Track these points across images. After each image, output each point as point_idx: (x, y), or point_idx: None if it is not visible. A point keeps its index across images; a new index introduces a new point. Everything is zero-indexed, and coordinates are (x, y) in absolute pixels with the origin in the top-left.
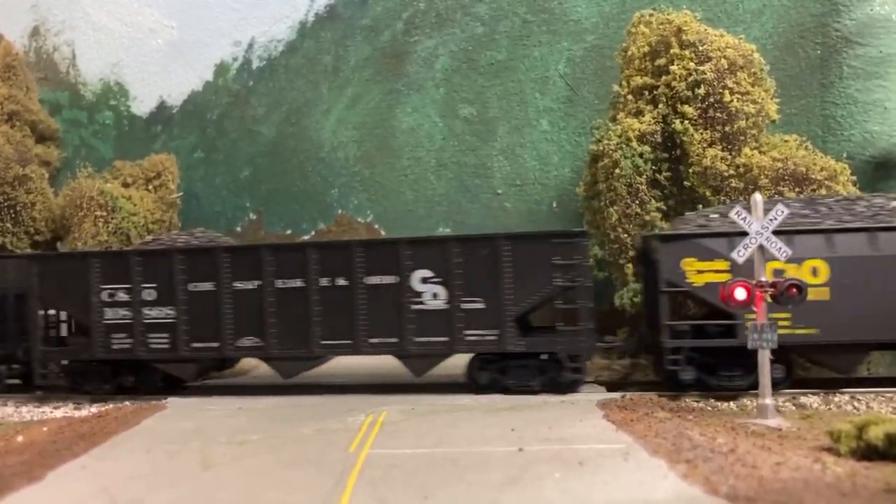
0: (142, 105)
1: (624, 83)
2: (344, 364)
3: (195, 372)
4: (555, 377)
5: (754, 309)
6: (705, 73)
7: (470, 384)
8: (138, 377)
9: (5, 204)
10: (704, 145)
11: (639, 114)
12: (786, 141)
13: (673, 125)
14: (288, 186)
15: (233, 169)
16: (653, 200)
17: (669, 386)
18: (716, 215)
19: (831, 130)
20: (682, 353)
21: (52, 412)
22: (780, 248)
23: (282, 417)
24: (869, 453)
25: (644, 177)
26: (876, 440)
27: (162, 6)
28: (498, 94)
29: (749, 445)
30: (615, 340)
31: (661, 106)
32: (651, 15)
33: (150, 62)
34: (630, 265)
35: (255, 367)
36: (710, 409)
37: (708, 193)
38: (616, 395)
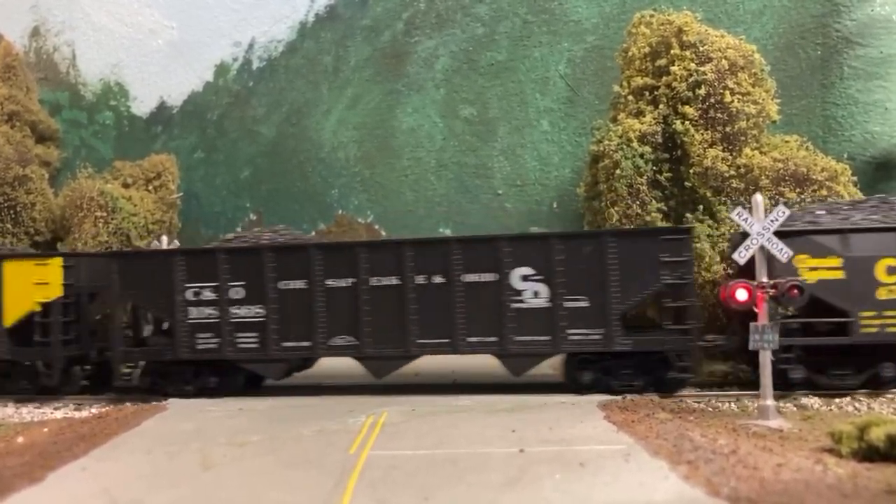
0: (142, 105)
1: (624, 84)
2: (345, 364)
3: (283, 372)
4: (661, 376)
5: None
6: (706, 74)
7: (569, 384)
8: (222, 378)
9: (5, 204)
10: (705, 146)
11: (639, 114)
12: (786, 141)
13: (673, 126)
14: (288, 187)
15: (233, 169)
16: (653, 201)
17: (776, 385)
18: (822, 212)
19: (832, 131)
20: (794, 352)
21: (52, 413)
22: (782, 249)
23: (282, 418)
24: (870, 454)
25: (645, 177)
26: (877, 441)
27: (162, 7)
28: (498, 95)
29: (750, 447)
30: (716, 339)
31: (661, 106)
32: (651, 16)
33: (150, 62)
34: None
35: None
36: (710, 410)
37: (709, 194)
38: (617, 396)
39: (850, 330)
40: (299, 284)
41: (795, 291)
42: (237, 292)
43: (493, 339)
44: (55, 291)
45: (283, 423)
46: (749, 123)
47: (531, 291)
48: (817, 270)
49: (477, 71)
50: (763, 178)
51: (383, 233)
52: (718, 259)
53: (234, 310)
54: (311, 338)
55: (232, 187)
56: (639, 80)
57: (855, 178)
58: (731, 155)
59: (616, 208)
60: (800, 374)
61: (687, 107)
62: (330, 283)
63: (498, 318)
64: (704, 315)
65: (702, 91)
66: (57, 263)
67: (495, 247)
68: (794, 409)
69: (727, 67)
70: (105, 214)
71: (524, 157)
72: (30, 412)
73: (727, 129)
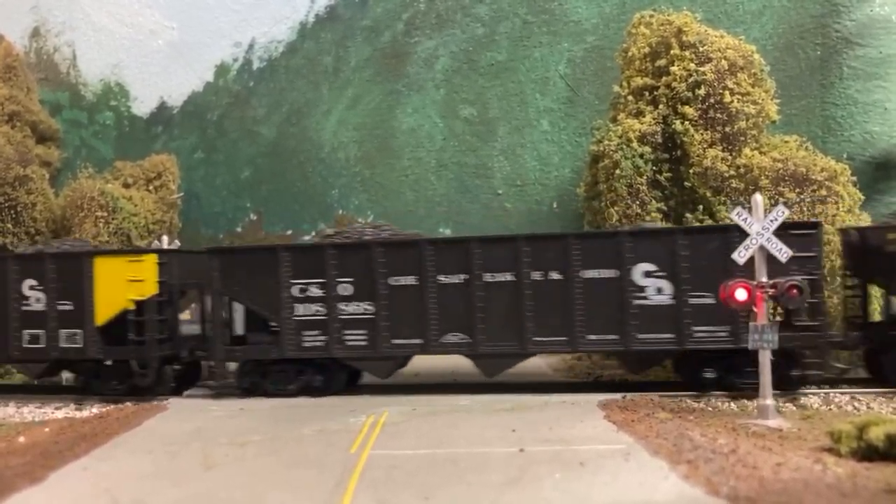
0: (142, 106)
1: (624, 84)
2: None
3: (391, 370)
4: (785, 374)
5: (755, 308)
6: (705, 74)
7: (686, 382)
8: (326, 376)
9: (6, 204)
10: (705, 146)
11: (639, 114)
12: (786, 141)
13: (673, 126)
14: (288, 187)
15: (233, 169)
16: (653, 201)
17: (893, 383)
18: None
19: (831, 131)
20: None
21: (53, 413)
22: (781, 249)
23: (283, 418)
24: (869, 454)
25: (644, 177)
26: (876, 441)
27: (162, 7)
28: (498, 95)
29: (750, 446)
30: (835, 335)
31: (661, 107)
32: (651, 16)
33: (150, 63)
34: None
35: None
36: (710, 409)
37: (708, 194)
38: (617, 395)
39: None
40: (410, 280)
41: (794, 291)
42: (345, 289)
43: (614, 336)
44: (150, 289)
45: (284, 423)
46: (748, 123)
47: (654, 288)
48: None
49: (477, 71)
50: (762, 178)
51: None
52: None
53: (342, 306)
54: (423, 335)
55: (232, 187)
56: (638, 81)
57: (854, 178)
58: (731, 155)
59: (616, 208)
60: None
61: (686, 107)
62: (442, 279)
63: (619, 316)
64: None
65: (701, 91)
66: (152, 260)
67: (617, 242)
68: (794, 408)
69: (727, 68)
70: (105, 214)
71: (524, 157)
72: (31, 412)
73: (727, 129)
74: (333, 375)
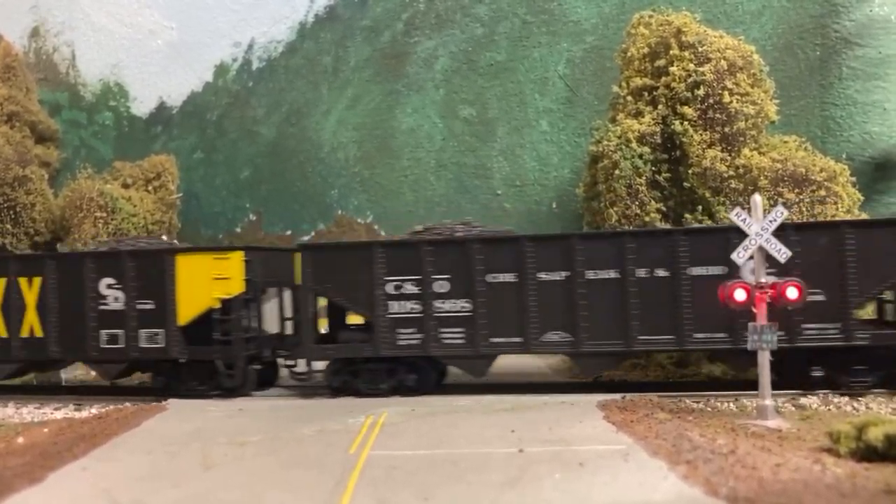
0: (141, 106)
1: (623, 84)
2: None
3: (486, 369)
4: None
5: (754, 310)
6: (705, 75)
7: (794, 382)
8: (419, 375)
9: (5, 205)
10: (704, 146)
11: (638, 115)
12: (785, 142)
13: (672, 126)
14: (288, 187)
15: (232, 169)
16: (652, 201)
17: None
18: None
19: (831, 131)
20: None
21: (52, 413)
22: (780, 250)
23: (282, 418)
24: (868, 454)
25: (644, 178)
26: (875, 441)
27: (162, 7)
28: (497, 95)
29: (749, 446)
30: None
31: (660, 107)
32: (650, 16)
33: (149, 63)
34: None
35: None
36: (710, 410)
37: (707, 194)
38: (616, 396)
39: None
40: (509, 278)
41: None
42: (442, 286)
43: (722, 335)
44: (237, 287)
45: (283, 423)
46: (748, 124)
47: None
48: None
49: (476, 71)
50: (762, 178)
51: (383, 233)
52: None
53: (438, 304)
54: (523, 333)
55: (232, 187)
56: (638, 81)
57: (854, 179)
58: (730, 155)
59: (615, 209)
60: None
61: (686, 107)
62: (542, 276)
63: (728, 313)
64: None
65: (700, 91)
66: (238, 257)
67: (726, 238)
68: (793, 408)
69: (726, 68)
70: (105, 215)
71: (523, 158)
72: (30, 412)
73: (726, 129)
74: (426, 374)
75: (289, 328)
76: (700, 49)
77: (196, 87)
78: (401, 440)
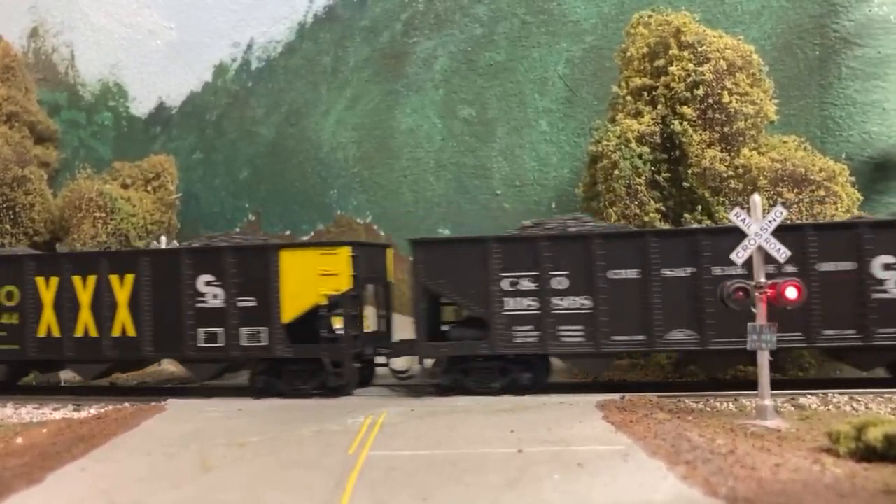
0: (141, 106)
1: (623, 84)
2: None
3: (605, 367)
4: None
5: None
6: (704, 74)
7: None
8: (534, 374)
9: (4, 205)
10: (703, 146)
11: (638, 115)
12: (785, 142)
13: (672, 126)
14: (287, 187)
15: (232, 170)
16: (652, 201)
17: None
18: None
19: (830, 131)
20: None
21: (51, 414)
22: (780, 250)
23: (281, 419)
24: (868, 454)
25: (643, 178)
26: (875, 441)
27: (161, 7)
28: (497, 95)
29: (748, 447)
30: None
31: (660, 107)
32: (650, 16)
33: (149, 63)
34: None
35: None
36: (709, 410)
37: (707, 194)
38: (615, 396)
39: None
40: (632, 274)
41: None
42: (560, 282)
43: (851, 332)
44: (345, 283)
45: (282, 424)
46: (747, 124)
47: (894, 281)
48: None
49: (476, 71)
50: (761, 178)
51: (382, 233)
52: None
53: (556, 301)
54: (647, 331)
55: (231, 188)
56: (637, 81)
57: (853, 179)
58: (730, 155)
59: (615, 209)
60: None
61: (685, 107)
62: (667, 272)
63: (858, 310)
64: None
65: (700, 91)
66: (346, 252)
67: (855, 234)
68: (792, 408)
69: (725, 68)
70: (104, 215)
71: (523, 158)
72: (29, 413)
73: (725, 129)
74: (541, 372)
75: (373, 326)
76: (699, 49)
77: (195, 87)
78: (400, 441)
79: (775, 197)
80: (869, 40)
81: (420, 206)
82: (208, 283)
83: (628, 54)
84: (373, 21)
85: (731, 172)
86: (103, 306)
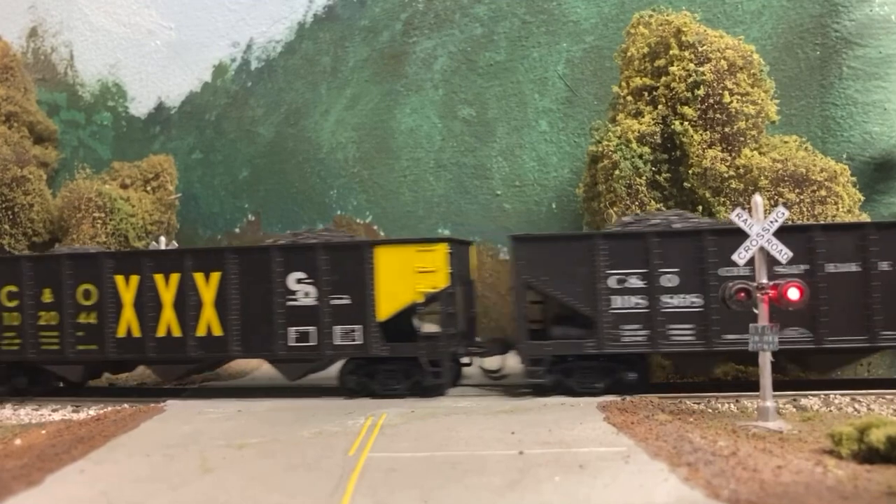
0: (140, 106)
1: (623, 84)
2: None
3: (714, 366)
4: None
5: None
6: (705, 74)
7: None
8: (639, 373)
9: (3, 205)
10: (704, 146)
11: (638, 115)
12: (785, 142)
13: (672, 126)
14: (286, 187)
15: (231, 170)
16: (652, 202)
17: None
18: None
19: (831, 131)
20: None
21: (50, 415)
22: (781, 251)
23: (281, 420)
24: (870, 456)
25: (643, 178)
26: (877, 443)
27: (160, 7)
28: (497, 95)
29: (750, 448)
30: None
31: (660, 107)
32: (650, 16)
33: (148, 63)
34: None
35: (255, 369)
36: (710, 411)
37: (708, 194)
38: (616, 397)
39: None
40: (744, 271)
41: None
42: (669, 279)
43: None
44: (443, 280)
45: (281, 425)
46: (748, 124)
47: None
48: None
49: (475, 71)
50: (762, 178)
51: (382, 233)
52: None
53: (665, 299)
54: None
55: (230, 188)
56: (637, 81)
57: (854, 179)
58: (730, 155)
59: (615, 209)
60: None
61: (686, 107)
62: (779, 269)
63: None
64: None
65: (700, 91)
66: (443, 249)
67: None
68: (794, 410)
69: (726, 68)
70: (103, 215)
71: (523, 158)
72: (28, 414)
73: (726, 129)
74: (645, 372)
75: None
76: (700, 49)
77: (194, 87)
78: (400, 442)
79: (776, 197)
80: (870, 40)
81: (420, 206)
82: (300, 281)
83: (629, 54)
84: (372, 21)
85: (731, 173)
86: (187, 305)
